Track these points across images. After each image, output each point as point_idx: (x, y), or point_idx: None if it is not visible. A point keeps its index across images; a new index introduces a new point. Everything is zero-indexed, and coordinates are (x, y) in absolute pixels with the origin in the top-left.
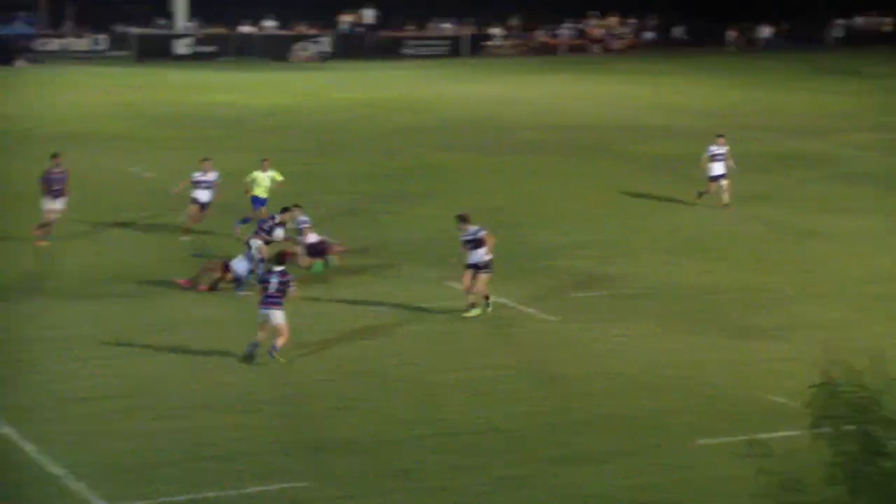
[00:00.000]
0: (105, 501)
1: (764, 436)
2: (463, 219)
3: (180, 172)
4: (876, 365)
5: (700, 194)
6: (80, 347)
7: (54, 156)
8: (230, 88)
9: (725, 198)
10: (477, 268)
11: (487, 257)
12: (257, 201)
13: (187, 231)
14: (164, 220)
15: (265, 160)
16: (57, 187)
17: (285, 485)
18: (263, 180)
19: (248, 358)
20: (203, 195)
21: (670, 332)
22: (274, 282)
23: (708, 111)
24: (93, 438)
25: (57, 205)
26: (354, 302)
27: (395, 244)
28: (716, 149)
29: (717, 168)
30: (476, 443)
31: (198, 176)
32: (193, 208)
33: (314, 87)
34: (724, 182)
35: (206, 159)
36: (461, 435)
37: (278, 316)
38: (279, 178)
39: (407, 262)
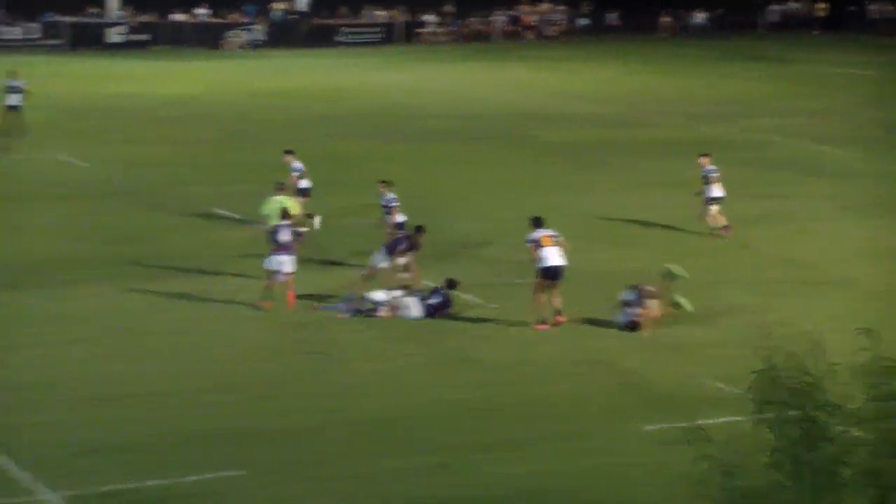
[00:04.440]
0: (50, 490)
1: (701, 422)
2: (537, 222)
3: (104, 162)
4: (815, 349)
5: (717, 227)
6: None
7: None
8: (152, 78)
9: (722, 219)
10: (553, 276)
11: (563, 263)
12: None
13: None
14: (89, 210)
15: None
16: None
17: (221, 473)
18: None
19: None
20: None
21: (590, 318)
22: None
23: (619, 97)
24: (21, 429)
25: None
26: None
27: (309, 234)
28: (711, 168)
29: (717, 190)
30: (398, 429)
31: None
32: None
33: (236, 76)
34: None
35: (289, 151)
36: (383, 422)
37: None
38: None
39: (319, 252)
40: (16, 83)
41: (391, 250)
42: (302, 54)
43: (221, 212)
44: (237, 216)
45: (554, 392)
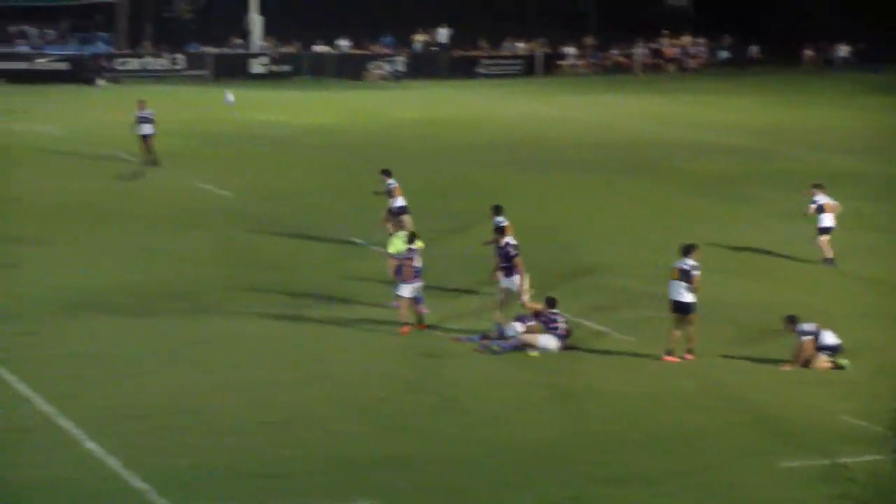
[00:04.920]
0: None
1: (838, 460)
2: (687, 250)
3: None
4: None
5: (827, 260)
6: (137, 363)
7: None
8: (294, 107)
9: (829, 251)
10: (679, 310)
11: (688, 299)
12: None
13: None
14: (231, 237)
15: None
16: None
17: (358, 503)
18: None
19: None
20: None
21: (724, 351)
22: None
23: (760, 129)
24: (163, 454)
25: None
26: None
27: (439, 262)
28: (822, 198)
29: (827, 220)
30: (527, 461)
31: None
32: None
33: (378, 107)
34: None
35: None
36: (515, 453)
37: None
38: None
39: (452, 282)
40: (145, 113)
41: (508, 272)
42: (442, 85)
43: (359, 241)
44: (375, 245)
45: (686, 425)
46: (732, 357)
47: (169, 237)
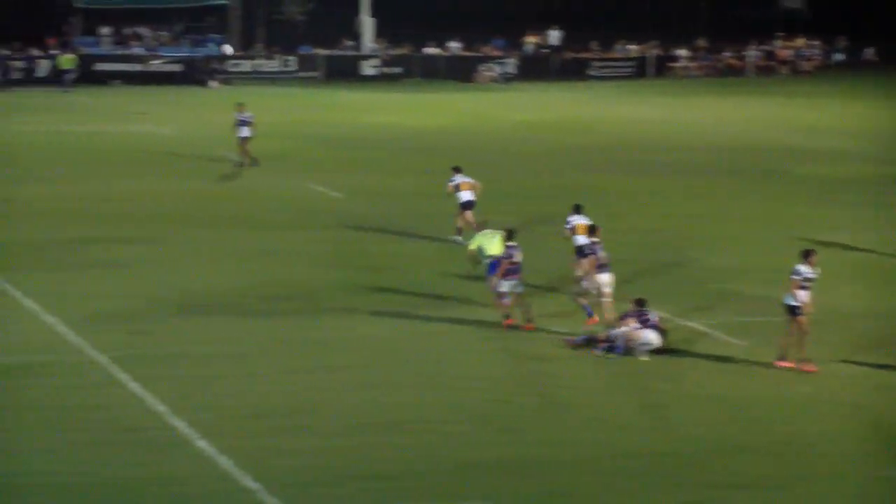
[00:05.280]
0: None
1: None
2: (806, 254)
3: (358, 192)
4: None
5: None
6: (250, 362)
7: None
8: (404, 109)
9: None
10: (789, 312)
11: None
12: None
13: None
14: (343, 238)
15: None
16: None
17: None
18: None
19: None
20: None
21: (844, 358)
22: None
23: (875, 133)
24: (275, 454)
25: None
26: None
27: (550, 267)
28: None
29: None
30: (641, 466)
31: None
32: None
33: (488, 108)
34: None
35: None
36: (629, 458)
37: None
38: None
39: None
40: (244, 116)
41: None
42: (553, 87)
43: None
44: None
45: (806, 432)
46: (850, 362)
47: (282, 238)
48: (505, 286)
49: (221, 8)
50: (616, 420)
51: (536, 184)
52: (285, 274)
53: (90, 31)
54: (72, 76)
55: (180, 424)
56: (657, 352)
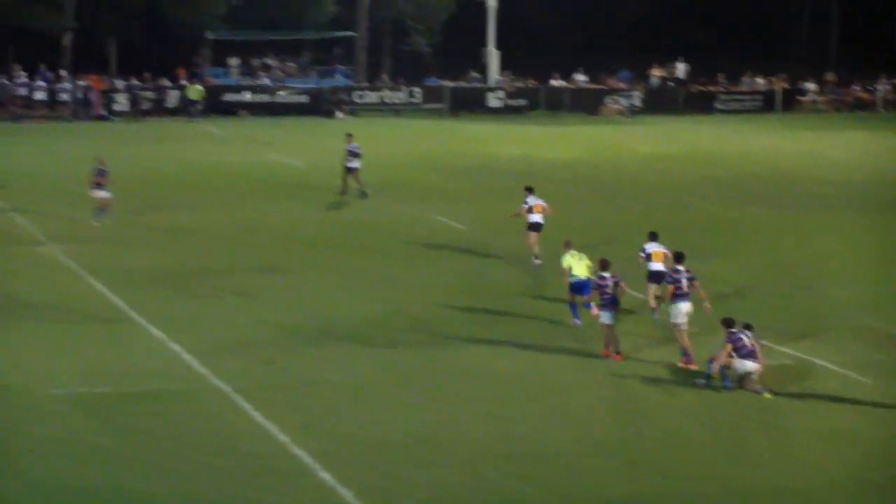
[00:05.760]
0: None
1: None
2: None
3: (482, 223)
4: None
5: None
6: (374, 393)
7: None
8: (529, 141)
9: None
10: None
11: None
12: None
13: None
14: (467, 268)
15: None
16: None
17: None
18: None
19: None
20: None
21: None
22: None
23: None
24: (397, 486)
25: None
26: (649, 361)
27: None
28: None
29: None
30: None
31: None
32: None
33: (614, 141)
34: None
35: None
36: (759, 496)
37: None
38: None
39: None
40: (352, 147)
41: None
42: (679, 120)
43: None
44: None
45: None
46: None
47: (407, 267)
48: (603, 317)
49: (348, 39)
50: (741, 455)
51: (667, 216)
52: (409, 304)
53: (220, 62)
54: (199, 107)
55: (303, 454)
56: (779, 386)
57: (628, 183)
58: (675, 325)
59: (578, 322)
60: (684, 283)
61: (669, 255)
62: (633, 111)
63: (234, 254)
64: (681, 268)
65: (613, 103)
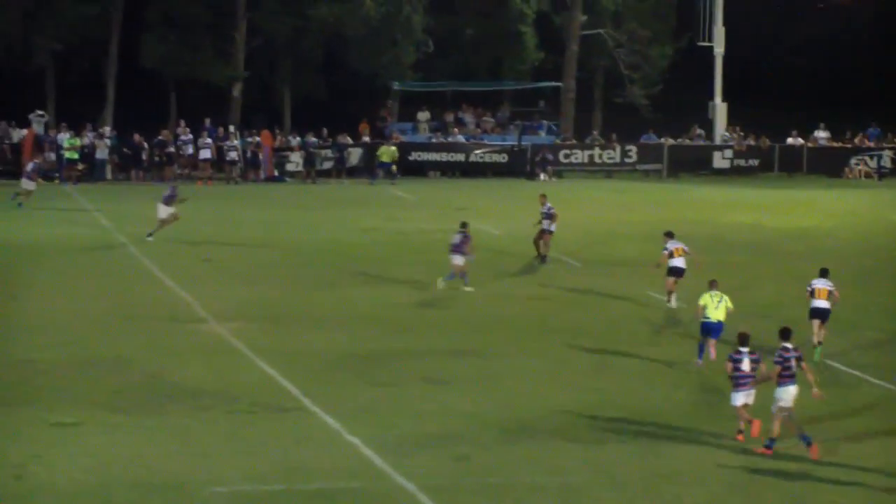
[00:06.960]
0: None
1: None
2: None
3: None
4: None
5: None
6: (582, 497)
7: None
8: (763, 207)
9: None
10: None
11: None
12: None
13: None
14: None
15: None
16: None
17: None
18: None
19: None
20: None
21: None
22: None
23: None
24: None
25: None
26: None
27: None
28: None
29: None
30: None
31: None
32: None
33: (860, 208)
34: None
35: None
36: None
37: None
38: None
39: None
40: (546, 209)
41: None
42: None
43: (837, 365)
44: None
45: None
46: None
47: (617, 352)
48: (735, 399)
49: (554, 91)
50: None
51: None
52: (621, 394)
53: (407, 116)
54: (393, 168)
55: None
56: None
57: (878, 257)
58: (780, 410)
59: (699, 362)
60: (793, 363)
61: (836, 293)
62: (882, 173)
63: (422, 335)
64: (789, 345)
65: (859, 164)
